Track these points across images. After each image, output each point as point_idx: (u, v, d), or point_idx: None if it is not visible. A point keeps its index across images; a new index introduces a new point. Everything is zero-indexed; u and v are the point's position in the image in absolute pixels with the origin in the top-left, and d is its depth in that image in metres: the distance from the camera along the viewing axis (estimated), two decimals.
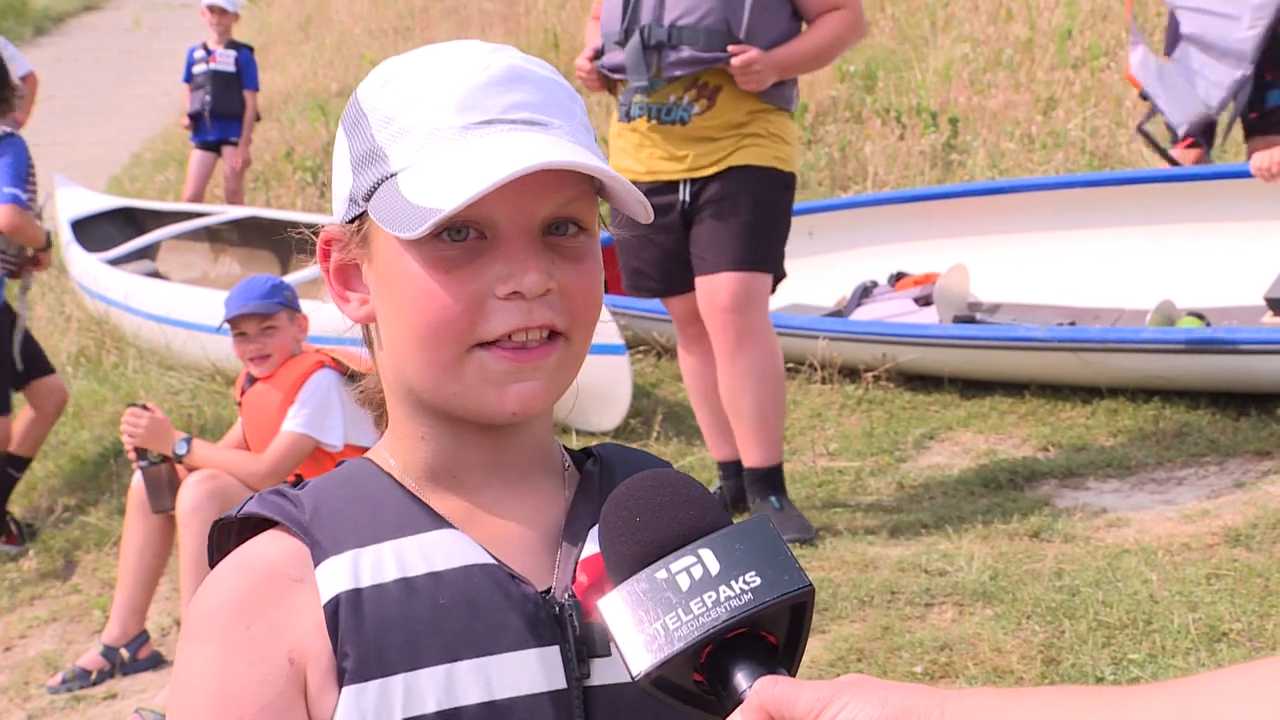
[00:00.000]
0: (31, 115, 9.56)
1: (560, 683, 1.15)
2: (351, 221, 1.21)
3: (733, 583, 0.98)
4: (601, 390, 6.24)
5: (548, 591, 1.18)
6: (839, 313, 7.09)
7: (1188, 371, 5.71)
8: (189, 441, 4.57)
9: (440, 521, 1.19)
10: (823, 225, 7.75)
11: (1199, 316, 6.15)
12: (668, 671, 0.97)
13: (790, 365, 6.77)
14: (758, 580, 0.98)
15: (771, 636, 1.00)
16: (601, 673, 1.17)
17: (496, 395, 1.17)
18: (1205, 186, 6.69)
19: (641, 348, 7.23)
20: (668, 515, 1.03)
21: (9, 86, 5.73)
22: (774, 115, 4.87)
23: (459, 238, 1.14)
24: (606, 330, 6.20)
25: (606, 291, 7.34)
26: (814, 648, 4.23)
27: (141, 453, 4.58)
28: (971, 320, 6.65)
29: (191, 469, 4.61)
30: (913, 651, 4.07)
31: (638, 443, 6.17)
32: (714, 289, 4.86)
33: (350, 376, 4.55)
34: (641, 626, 0.98)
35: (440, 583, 1.15)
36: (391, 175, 1.16)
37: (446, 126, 1.15)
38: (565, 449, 1.31)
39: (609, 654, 1.16)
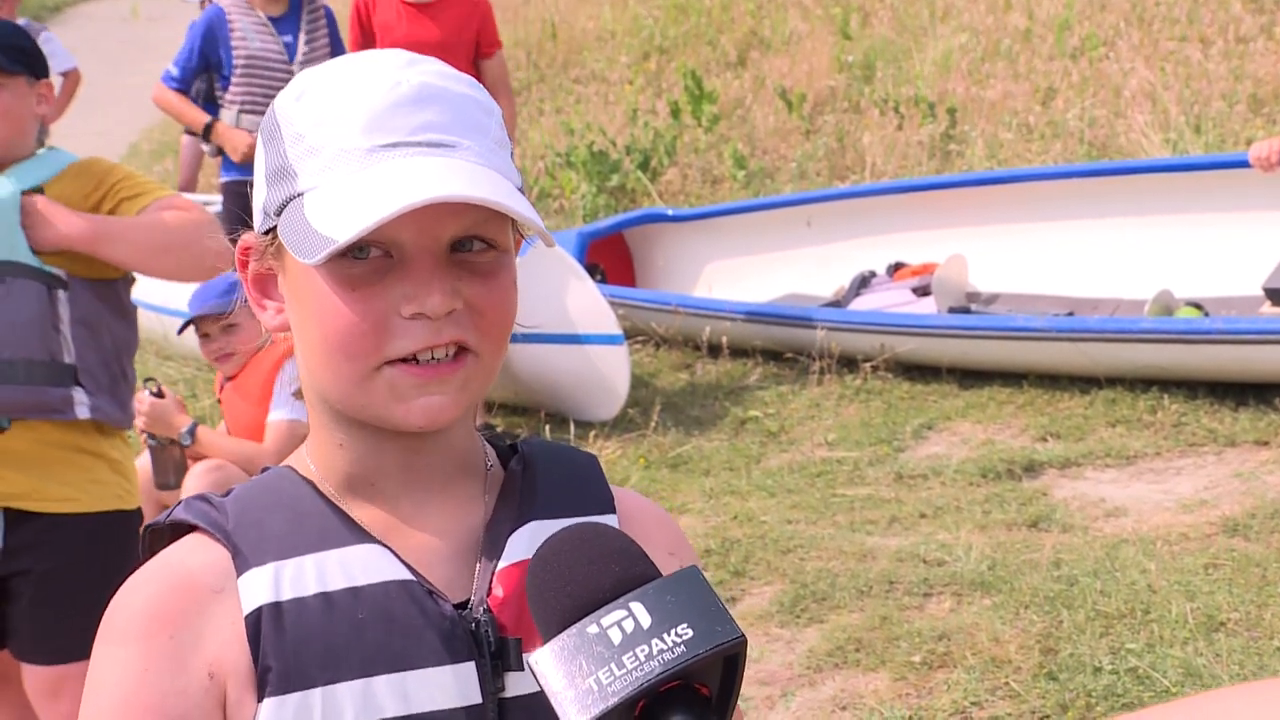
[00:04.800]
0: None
1: (475, 697, 1.17)
2: (266, 233, 1.22)
3: (665, 635, 0.97)
4: (600, 380, 6.24)
5: (465, 604, 1.19)
6: (837, 303, 7.09)
7: (1186, 361, 5.71)
8: (194, 430, 4.57)
9: (362, 535, 1.20)
10: (821, 215, 7.75)
11: (1197, 306, 6.15)
12: None
13: (788, 356, 6.78)
14: (690, 632, 0.98)
15: (704, 688, 1.00)
16: (516, 685, 1.18)
17: (404, 409, 1.17)
18: (1203, 177, 6.69)
19: (640, 338, 7.22)
20: (596, 569, 1.03)
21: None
22: None
23: (362, 256, 1.15)
24: (605, 320, 6.20)
25: (606, 282, 7.37)
26: (813, 638, 4.24)
27: (150, 433, 4.60)
28: (969, 310, 6.65)
29: (196, 457, 4.62)
30: (911, 641, 4.08)
31: (635, 433, 6.18)
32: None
33: None
34: (574, 682, 0.97)
35: (359, 598, 1.16)
36: (299, 195, 1.17)
37: (354, 148, 1.15)
38: (491, 443, 1.32)
39: (523, 669, 1.17)
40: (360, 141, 1.15)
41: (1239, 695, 0.83)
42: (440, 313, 1.15)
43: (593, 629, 0.99)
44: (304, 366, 1.23)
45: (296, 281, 1.20)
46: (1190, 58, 9.22)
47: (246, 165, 6.00)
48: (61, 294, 3.00)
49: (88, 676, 1.19)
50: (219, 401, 4.86)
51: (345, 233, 1.10)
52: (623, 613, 0.99)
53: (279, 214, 1.19)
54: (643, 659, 0.97)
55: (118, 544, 3.13)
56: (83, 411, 3.02)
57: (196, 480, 4.43)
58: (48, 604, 3.06)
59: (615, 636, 0.98)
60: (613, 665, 0.97)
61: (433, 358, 1.17)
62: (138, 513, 3.21)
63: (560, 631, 1.00)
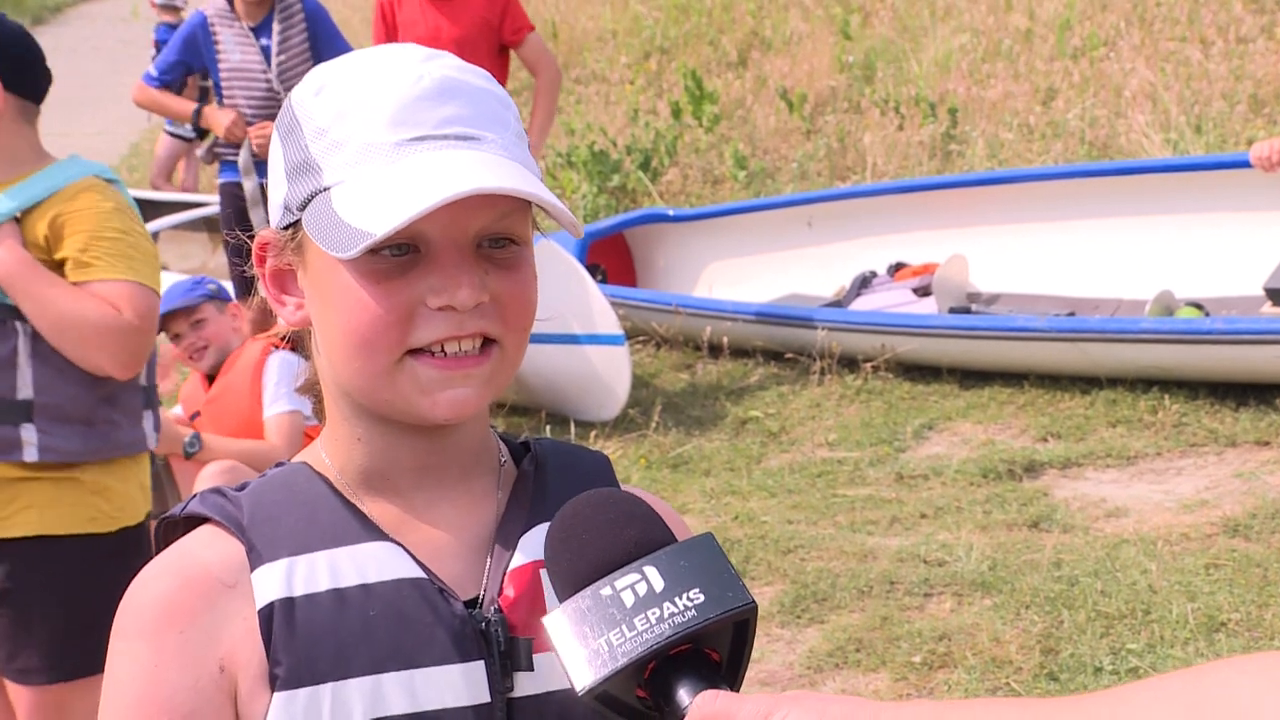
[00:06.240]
0: None
1: (484, 697, 1.17)
2: (287, 228, 1.22)
3: (676, 599, 0.99)
4: (601, 381, 6.24)
5: (475, 602, 1.20)
6: (838, 303, 7.09)
7: (1186, 362, 5.71)
8: (199, 437, 4.55)
9: (375, 532, 1.20)
10: (821, 216, 7.75)
11: (1198, 307, 6.15)
12: (611, 687, 0.98)
13: (789, 356, 6.78)
14: (701, 597, 0.99)
15: (715, 653, 1.01)
16: (525, 685, 1.19)
17: (429, 402, 1.18)
18: (1204, 177, 6.69)
19: (641, 338, 7.22)
20: (612, 532, 1.04)
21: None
22: None
23: (397, 253, 1.16)
24: (606, 321, 6.20)
25: (607, 282, 7.37)
26: (813, 638, 4.24)
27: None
28: (970, 310, 6.65)
29: (202, 462, 4.60)
30: (911, 642, 4.08)
31: (636, 433, 6.17)
32: None
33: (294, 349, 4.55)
34: (586, 642, 0.99)
35: (371, 595, 1.17)
36: (325, 189, 1.17)
37: (380, 142, 1.15)
38: (504, 439, 1.32)
39: (533, 669, 1.18)
40: (387, 135, 1.15)
41: (1237, 667, 0.83)
42: (468, 305, 1.16)
43: (606, 591, 1.00)
44: (325, 361, 1.23)
45: (319, 276, 1.20)
46: (1191, 58, 9.22)
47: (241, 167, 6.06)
48: (19, 325, 2.83)
49: (106, 671, 1.20)
50: (193, 418, 4.81)
51: (383, 226, 1.10)
52: (636, 576, 1.01)
53: (302, 209, 1.19)
54: (654, 621, 0.98)
55: (85, 569, 2.93)
56: (30, 453, 2.83)
57: (209, 481, 4.41)
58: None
59: (628, 599, 0.99)
60: (624, 627, 0.98)
61: (460, 350, 1.17)
62: (119, 535, 2.98)
63: (575, 593, 1.01)
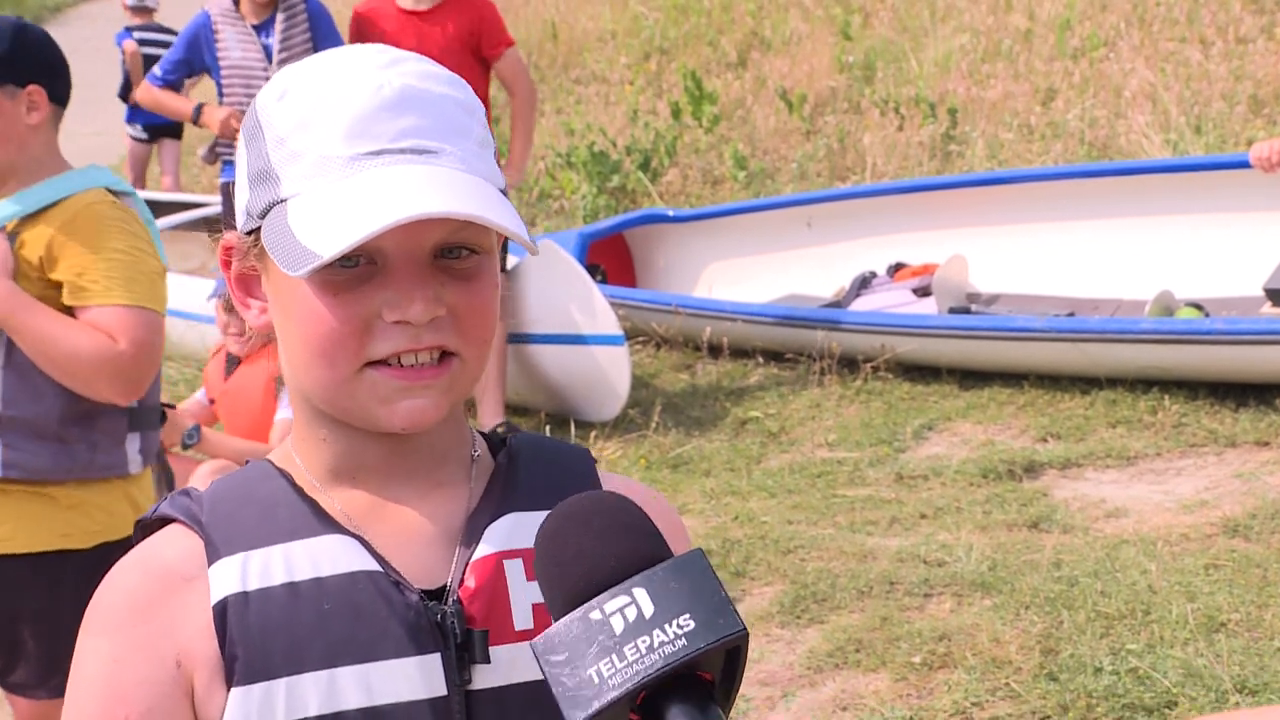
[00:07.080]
0: None
1: (441, 689, 1.17)
2: (250, 233, 1.22)
3: (666, 626, 0.98)
4: (600, 381, 6.24)
5: (439, 593, 1.19)
6: (837, 303, 7.09)
7: (1186, 362, 5.71)
8: (198, 429, 4.55)
9: (332, 526, 1.20)
10: (821, 216, 7.75)
11: (1198, 307, 6.15)
12: (603, 717, 0.98)
13: (789, 356, 6.78)
14: (692, 624, 0.98)
15: (707, 674, 1.01)
16: (484, 677, 1.18)
17: (386, 412, 1.18)
18: (1204, 177, 6.69)
19: (640, 338, 7.22)
20: (602, 546, 1.03)
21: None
22: None
23: (349, 264, 1.15)
24: (606, 321, 6.20)
25: (606, 282, 7.36)
26: (813, 638, 4.24)
27: None
28: (970, 311, 6.65)
29: (198, 457, 4.61)
30: (911, 642, 4.08)
31: (636, 434, 6.17)
32: None
33: None
34: (576, 672, 0.98)
35: (324, 588, 1.17)
36: (282, 201, 1.16)
37: (335, 156, 1.14)
38: (483, 435, 1.32)
39: (489, 661, 1.18)
40: (342, 149, 1.15)
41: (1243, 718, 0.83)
42: (423, 320, 1.16)
43: (595, 615, 0.99)
44: (288, 366, 1.24)
45: (279, 284, 1.20)
46: (1190, 58, 9.22)
47: None
48: None
49: (72, 667, 1.21)
50: (211, 402, 4.83)
51: (329, 248, 1.10)
52: (625, 599, 0.99)
53: (263, 217, 1.19)
54: (644, 650, 0.97)
55: (62, 585, 2.84)
56: None
57: (201, 482, 4.41)
58: None
59: (618, 625, 0.98)
60: (614, 657, 0.97)
61: (416, 361, 1.17)
62: (97, 551, 2.87)
63: (564, 614, 1.00)
